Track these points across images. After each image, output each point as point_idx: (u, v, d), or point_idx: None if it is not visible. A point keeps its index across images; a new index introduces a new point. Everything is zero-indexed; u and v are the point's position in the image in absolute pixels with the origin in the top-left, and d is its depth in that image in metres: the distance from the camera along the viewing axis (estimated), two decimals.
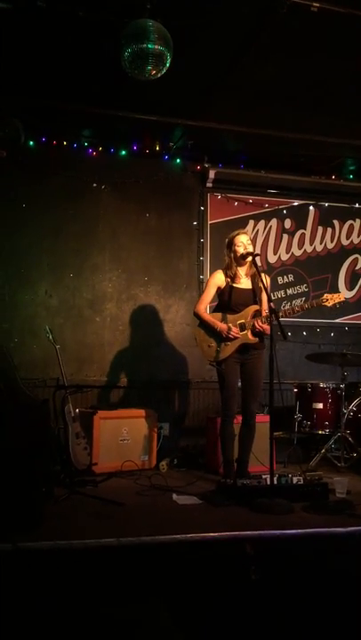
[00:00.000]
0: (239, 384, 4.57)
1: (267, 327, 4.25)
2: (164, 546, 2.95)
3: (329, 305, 4.41)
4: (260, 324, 4.30)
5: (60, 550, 2.81)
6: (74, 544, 2.85)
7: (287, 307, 4.42)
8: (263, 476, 3.99)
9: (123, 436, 5.09)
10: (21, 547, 2.73)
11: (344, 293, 4.54)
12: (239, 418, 4.60)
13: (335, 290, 6.29)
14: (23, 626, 2.53)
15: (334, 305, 4.43)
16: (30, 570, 2.71)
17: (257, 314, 4.41)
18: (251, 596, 2.84)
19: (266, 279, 4.43)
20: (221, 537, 3.03)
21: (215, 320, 4.46)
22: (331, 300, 4.39)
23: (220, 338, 4.41)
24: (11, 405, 3.33)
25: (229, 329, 4.34)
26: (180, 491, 4.23)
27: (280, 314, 4.30)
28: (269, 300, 4.23)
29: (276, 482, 3.84)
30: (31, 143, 5.66)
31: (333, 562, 3.08)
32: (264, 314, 4.38)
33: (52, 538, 2.89)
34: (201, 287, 5.91)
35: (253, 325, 4.34)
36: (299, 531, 3.17)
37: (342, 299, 4.45)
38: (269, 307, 4.10)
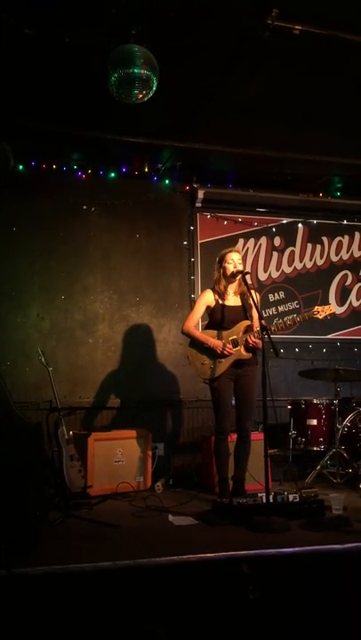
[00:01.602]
0: (233, 402, 4.57)
1: (260, 341, 4.26)
2: (160, 568, 2.92)
3: (320, 317, 4.45)
4: (253, 338, 4.32)
5: (56, 575, 2.77)
6: (69, 568, 2.82)
7: (280, 322, 4.45)
8: (259, 495, 3.97)
9: (117, 458, 5.06)
10: (16, 572, 2.70)
11: (334, 306, 4.60)
12: (233, 436, 4.59)
13: None
14: None
15: (326, 317, 4.47)
16: (25, 595, 2.67)
17: (249, 329, 4.42)
18: (249, 615, 2.82)
19: (256, 296, 4.46)
20: (218, 557, 3.00)
21: (207, 337, 4.47)
22: (322, 312, 4.43)
23: (213, 355, 4.41)
24: (4, 429, 3.31)
25: (224, 345, 4.35)
26: (176, 511, 4.20)
27: (273, 328, 4.33)
28: (260, 317, 4.25)
29: (272, 500, 3.83)
30: (20, 167, 5.71)
31: (331, 579, 3.05)
32: (256, 329, 4.40)
33: (47, 562, 2.85)
34: (193, 306, 5.93)
35: (246, 341, 4.35)
36: (296, 549, 3.14)
37: (333, 310, 4.50)
38: (261, 324, 4.12)
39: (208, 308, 4.59)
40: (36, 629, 2.59)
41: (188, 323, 4.61)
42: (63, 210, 5.86)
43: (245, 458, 4.49)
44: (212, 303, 4.56)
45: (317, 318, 4.47)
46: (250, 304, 4.43)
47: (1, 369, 5.10)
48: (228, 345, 4.37)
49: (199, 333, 4.57)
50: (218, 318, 4.51)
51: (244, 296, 4.54)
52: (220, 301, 4.54)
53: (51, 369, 4.77)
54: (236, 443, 4.52)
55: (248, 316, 4.49)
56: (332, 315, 4.54)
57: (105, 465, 4.96)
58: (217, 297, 4.56)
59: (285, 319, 4.47)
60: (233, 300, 4.55)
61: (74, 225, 5.90)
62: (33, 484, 3.32)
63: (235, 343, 4.40)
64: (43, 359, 4.80)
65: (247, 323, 4.45)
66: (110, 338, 5.92)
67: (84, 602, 2.72)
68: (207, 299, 4.59)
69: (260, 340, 4.22)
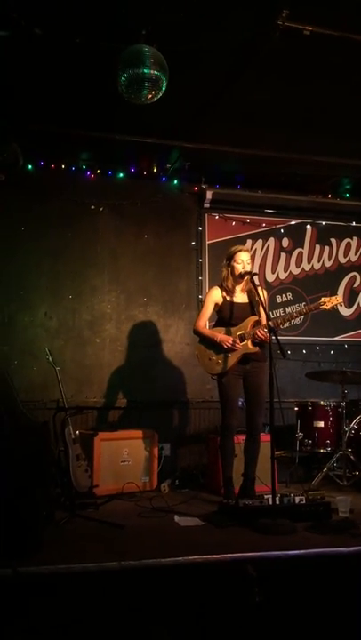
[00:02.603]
0: (240, 402, 4.57)
1: (267, 335, 4.25)
2: (165, 568, 2.92)
3: (327, 308, 4.41)
4: (262, 332, 4.30)
5: (61, 575, 2.78)
6: (74, 568, 2.82)
7: (286, 315, 4.43)
8: (265, 496, 3.96)
9: (123, 458, 5.06)
10: (21, 571, 2.70)
11: (341, 297, 4.57)
12: (240, 437, 4.59)
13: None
14: None
15: (332, 307, 4.44)
16: (31, 595, 2.68)
17: (256, 324, 4.42)
18: (254, 618, 2.81)
19: (263, 294, 4.45)
20: (223, 559, 3.00)
21: (215, 333, 4.47)
22: (329, 302, 4.40)
23: (221, 350, 4.41)
24: (11, 428, 3.32)
25: (233, 340, 4.35)
26: (182, 512, 4.20)
27: (279, 321, 4.33)
28: (268, 318, 4.24)
29: (278, 502, 3.82)
30: (29, 167, 5.72)
31: (337, 582, 3.04)
32: (264, 322, 4.39)
33: (53, 562, 2.86)
34: (200, 307, 5.92)
35: (254, 334, 4.34)
36: (302, 551, 3.13)
37: (340, 300, 4.48)
38: (268, 325, 4.11)
39: (216, 305, 4.60)
40: (40, 629, 2.59)
41: (198, 322, 4.62)
42: (71, 210, 5.87)
43: (255, 456, 4.48)
44: (220, 300, 4.57)
45: (325, 309, 4.43)
46: (257, 301, 4.42)
47: (8, 368, 5.12)
48: (235, 339, 4.37)
49: (207, 331, 4.59)
50: (226, 315, 4.51)
51: (251, 293, 4.54)
52: (229, 298, 4.54)
53: (58, 368, 4.78)
54: (246, 441, 4.52)
55: (256, 312, 4.49)
56: (340, 304, 4.50)
57: (111, 465, 4.97)
58: (225, 294, 4.56)
59: (292, 311, 4.43)
60: (240, 297, 4.56)
61: (82, 225, 5.91)
62: (39, 484, 3.33)
63: (242, 338, 4.40)
64: (50, 358, 4.82)
65: (255, 318, 4.46)
66: (117, 338, 5.92)
67: (89, 602, 2.73)
68: (215, 296, 4.59)
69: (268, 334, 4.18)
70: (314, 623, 2.90)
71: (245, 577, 2.88)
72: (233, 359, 4.40)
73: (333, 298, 4.44)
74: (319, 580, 3.03)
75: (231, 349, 4.37)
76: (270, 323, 4.14)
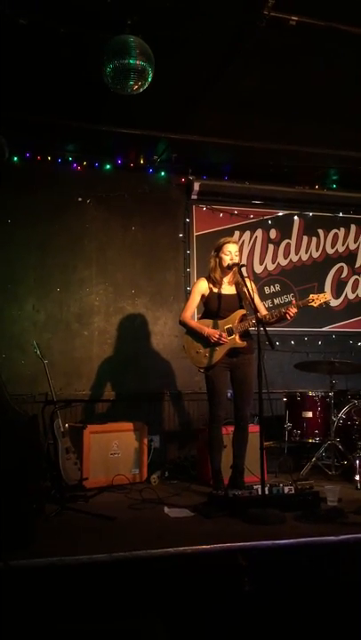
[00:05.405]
0: (228, 394, 4.58)
1: (294, 310, 4.29)
2: (156, 559, 2.93)
3: (315, 305, 4.39)
4: (293, 310, 4.31)
5: (52, 567, 2.78)
6: (65, 560, 2.83)
7: (275, 311, 4.43)
8: (255, 487, 3.98)
9: (113, 450, 5.07)
10: (12, 565, 2.70)
11: (329, 294, 4.56)
12: (229, 428, 4.60)
13: None
14: None
15: (321, 305, 4.43)
16: (22, 588, 2.68)
17: (244, 317, 4.42)
18: (245, 607, 2.83)
19: (252, 285, 4.45)
20: (214, 549, 3.02)
21: (202, 326, 4.47)
22: (317, 300, 4.39)
23: (208, 343, 4.42)
24: None
25: (220, 335, 4.36)
26: (172, 503, 4.21)
27: (267, 316, 4.33)
28: (256, 310, 4.24)
29: (267, 492, 3.84)
30: (15, 159, 5.67)
31: (327, 570, 3.07)
32: (264, 312, 4.39)
33: (44, 555, 2.86)
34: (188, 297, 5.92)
35: (244, 328, 4.35)
36: (291, 540, 3.16)
37: (328, 298, 4.47)
38: (256, 317, 4.12)
39: (203, 296, 4.59)
40: (32, 621, 2.60)
41: (184, 313, 4.63)
42: (58, 202, 5.84)
43: (244, 446, 4.50)
44: (207, 292, 4.57)
45: (313, 306, 4.43)
46: (244, 292, 4.41)
47: None
48: (223, 333, 4.37)
49: (194, 323, 4.59)
50: (214, 307, 4.51)
51: (238, 285, 4.54)
52: (216, 290, 4.54)
53: (46, 361, 4.77)
54: (234, 431, 4.53)
55: (243, 305, 4.50)
56: (328, 303, 4.51)
57: (101, 457, 4.97)
58: (212, 285, 4.56)
59: (281, 308, 4.43)
60: (228, 289, 4.57)
61: (69, 217, 5.88)
62: (29, 477, 3.32)
63: (230, 331, 4.40)
64: (38, 352, 4.80)
65: (243, 312, 4.46)
66: (106, 330, 5.91)
67: (81, 594, 2.73)
68: (201, 287, 4.59)
69: (265, 326, 4.15)
70: (303, 611, 2.93)
71: (236, 566, 2.89)
72: (220, 353, 4.40)
73: (322, 295, 4.41)
74: (309, 568, 3.05)
75: (218, 343, 4.38)
76: (258, 314, 4.14)
